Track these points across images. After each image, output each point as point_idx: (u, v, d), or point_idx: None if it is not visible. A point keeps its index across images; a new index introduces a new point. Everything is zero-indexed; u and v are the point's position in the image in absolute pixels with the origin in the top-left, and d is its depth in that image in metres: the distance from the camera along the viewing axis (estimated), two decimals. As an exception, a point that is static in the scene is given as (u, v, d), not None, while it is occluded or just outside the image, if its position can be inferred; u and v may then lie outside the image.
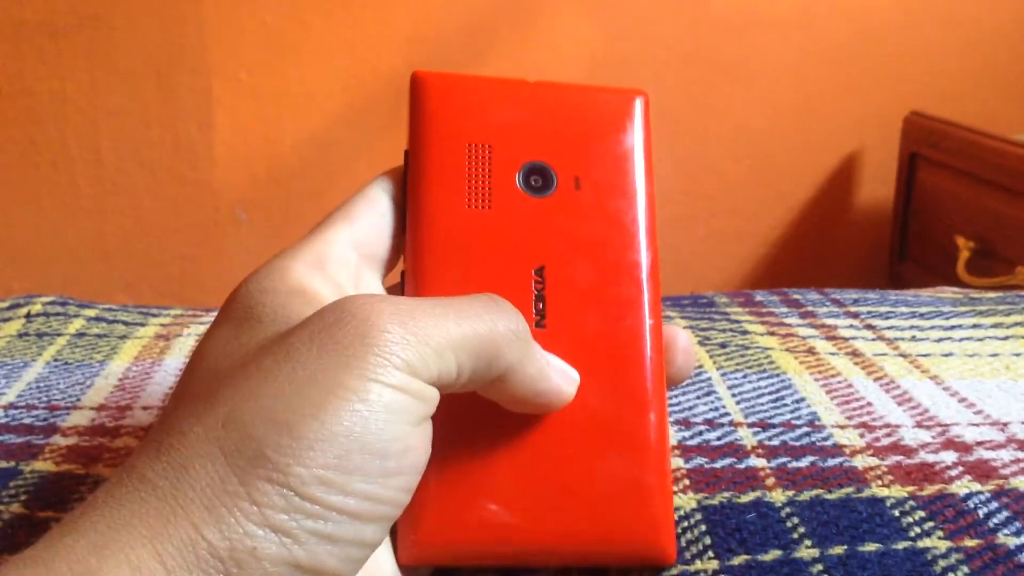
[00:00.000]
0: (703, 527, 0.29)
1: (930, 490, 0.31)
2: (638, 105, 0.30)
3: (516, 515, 0.25)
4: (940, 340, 0.47)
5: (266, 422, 0.20)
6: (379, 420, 0.20)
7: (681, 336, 0.28)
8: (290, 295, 0.24)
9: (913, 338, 0.47)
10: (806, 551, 0.27)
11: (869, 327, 0.49)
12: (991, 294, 0.56)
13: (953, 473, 0.32)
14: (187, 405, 0.21)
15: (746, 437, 0.35)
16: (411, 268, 0.27)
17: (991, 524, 0.29)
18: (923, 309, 0.51)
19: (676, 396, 0.39)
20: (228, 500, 0.19)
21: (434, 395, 0.22)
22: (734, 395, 0.39)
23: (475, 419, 0.26)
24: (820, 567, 0.27)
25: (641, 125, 0.29)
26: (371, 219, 0.27)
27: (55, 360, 0.43)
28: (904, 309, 0.51)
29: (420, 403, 0.21)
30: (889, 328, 0.48)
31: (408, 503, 0.22)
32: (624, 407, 0.26)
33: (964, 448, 0.34)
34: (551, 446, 0.26)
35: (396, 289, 0.28)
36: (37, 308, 0.49)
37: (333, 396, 0.20)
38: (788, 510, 0.30)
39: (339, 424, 0.20)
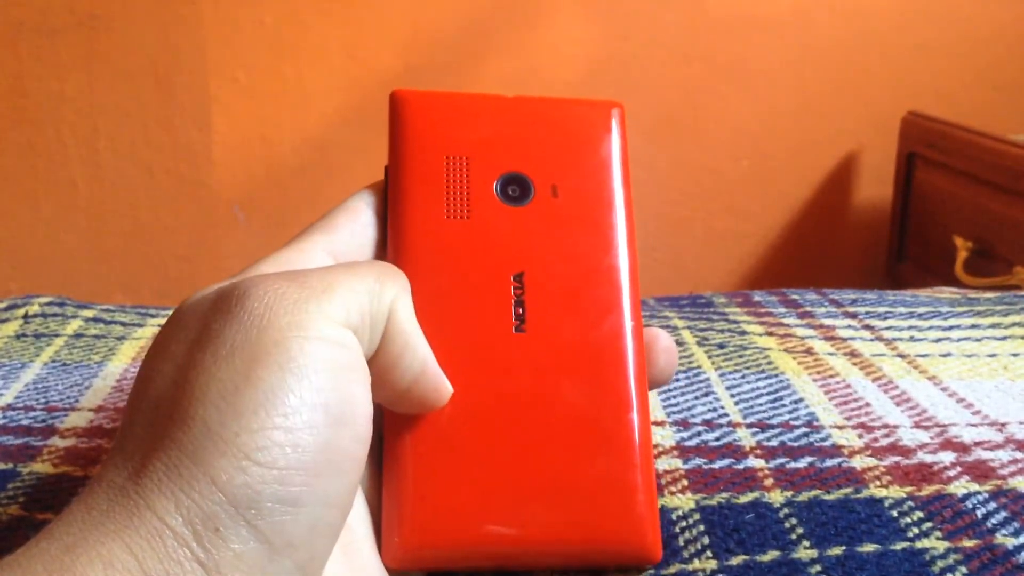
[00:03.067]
0: (701, 527, 0.29)
1: (928, 490, 0.31)
2: (614, 116, 0.30)
3: (500, 517, 0.25)
4: (938, 340, 0.47)
5: (204, 402, 0.20)
6: (309, 371, 0.21)
7: (662, 337, 0.29)
8: None
9: (911, 338, 0.47)
10: (804, 551, 0.27)
11: (867, 327, 0.49)
12: (989, 294, 0.56)
13: (951, 473, 0.32)
14: (141, 415, 0.22)
15: (744, 438, 0.35)
16: None
17: (989, 524, 0.29)
18: (921, 309, 0.51)
19: (675, 397, 0.39)
20: (185, 484, 0.19)
21: (352, 340, 0.22)
22: (732, 395, 0.39)
23: (457, 422, 0.26)
24: (818, 568, 0.27)
25: (617, 135, 0.30)
26: (351, 229, 0.28)
27: (53, 361, 0.43)
28: (902, 309, 0.51)
29: (342, 348, 0.22)
30: (887, 328, 0.48)
31: (361, 455, 0.22)
32: (606, 408, 0.27)
33: (962, 448, 0.34)
34: (534, 448, 0.26)
35: None
36: (35, 309, 0.49)
37: (258, 362, 0.20)
38: (786, 511, 0.30)
39: (274, 384, 0.20)
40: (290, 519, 0.20)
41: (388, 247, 0.28)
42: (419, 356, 0.25)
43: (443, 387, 0.26)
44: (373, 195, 0.29)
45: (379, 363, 0.24)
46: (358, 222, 0.28)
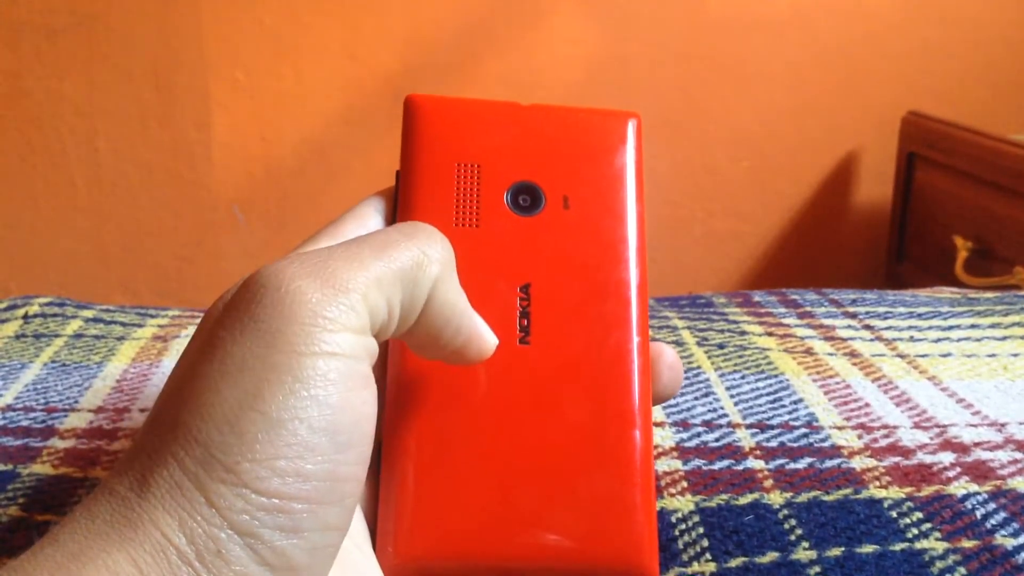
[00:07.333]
0: (701, 529, 0.29)
1: (928, 491, 0.31)
2: (631, 127, 0.30)
3: (497, 528, 0.25)
4: (938, 340, 0.47)
5: (207, 423, 0.19)
6: (320, 394, 0.20)
7: (667, 352, 0.28)
8: None
9: (911, 338, 0.47)
10: (803, 553, 0.27)
11: (867, 327, 0.49)
12: (989, 294, 0.56)
13: (951, 474, 0.32)
14: (148, 420, 0.21)
15: (744, 438, 0.35)
16: None
17: (989, 525, 0.29)
18: (921, 309, 0.51)
19: (674, 397, 0.39)
20: (188, 505, 0.19)
21: (371, 345, 0.21)
22: (732, 396, 0.39)
23: (457, 432, 0.26)
24: (817, 569, 0.27)
25: (633, 147, 0.30)
26: (358, 234, 0.27)
27: (53, 361, 0.43)
28: (902, 309, 0.51)
29: (358, 361, 0.21)
30: (887, 328, 0.48)
31: (362, 475, 0.21)
32: (608, 424, 0.26)
33: (962, 449, 0.34)
34: (534, 460, 0.26)
35: None
36: (35, 309, 0.49)
37: (267, 381, 0.19)
38: (786, 512, 0.30)
39: (280, 410, 0.19)
40: (290, 544, 0.19)
41: None
42: (463, 332, 0.24)
43: (487, 348, 0.25)
44: (383, 201, 0.29)
45: (419, 334, 0.24)
46: (366, 227, 0.28)
